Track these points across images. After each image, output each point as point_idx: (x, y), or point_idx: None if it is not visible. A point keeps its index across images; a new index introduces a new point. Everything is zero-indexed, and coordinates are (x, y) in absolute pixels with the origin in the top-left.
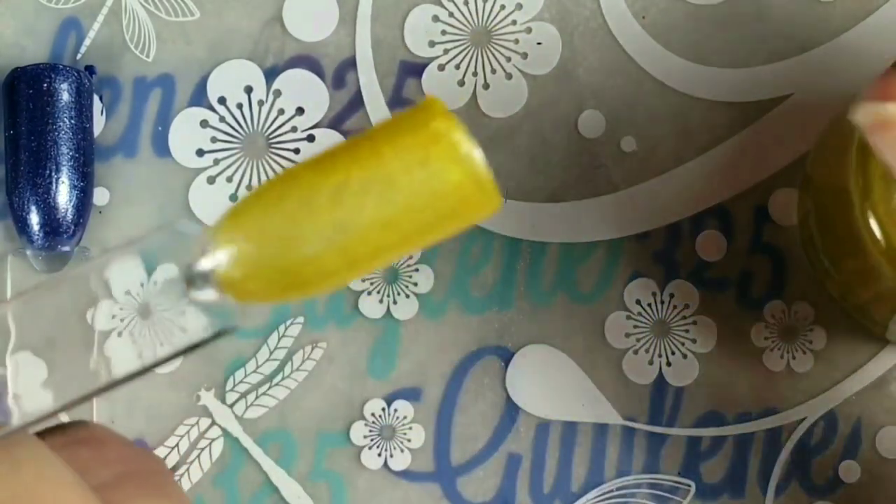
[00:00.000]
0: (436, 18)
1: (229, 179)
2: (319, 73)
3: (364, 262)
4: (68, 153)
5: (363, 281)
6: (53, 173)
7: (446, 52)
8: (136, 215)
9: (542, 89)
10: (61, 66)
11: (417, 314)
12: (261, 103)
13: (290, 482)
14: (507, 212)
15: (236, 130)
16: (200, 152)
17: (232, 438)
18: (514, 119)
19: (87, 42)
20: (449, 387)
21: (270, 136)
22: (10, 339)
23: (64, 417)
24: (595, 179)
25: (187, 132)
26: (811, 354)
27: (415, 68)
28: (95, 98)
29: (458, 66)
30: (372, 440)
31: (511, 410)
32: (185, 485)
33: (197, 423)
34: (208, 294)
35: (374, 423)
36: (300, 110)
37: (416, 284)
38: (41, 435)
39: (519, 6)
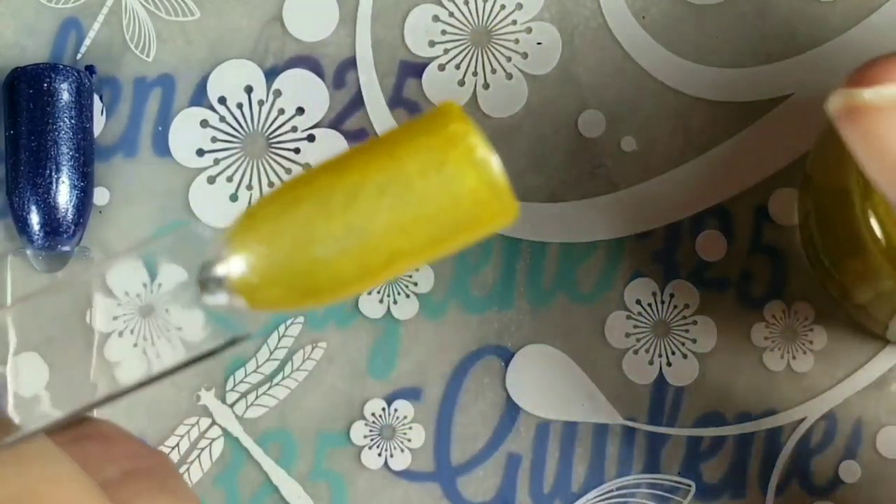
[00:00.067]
0: (436, 18)
1: (229, 179)
2: (319, 73)
3: (377, 269)
4: (68, 153)
5: None
6: (53, 173)
7: (446, 52)
8: (136, 215)
9: (542, 89)
10: (61, 66)
11: (417, 314)
12: (261, 103)
13: (290, 482)
14: None
15: (236, 130)
16: (200, 152)
17: (232, 438)
18: (514, 119)
19: (87, 42)
20: (449, 387)
21: (270, 136)
22: (14, 341)
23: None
24: (595, 179)
25: (187, 132)
26: (811, 354)
27: (415, 68)
28: (95, 98)
29: (458, 66)
30: (372, 440)
31: (511, 410)
32: None
33: (197, 422)
34: (221, 299)
35: (374, 422)
36: (300, 110)
37: (416, 284)
38: (47, 431)
39: (519, 6)
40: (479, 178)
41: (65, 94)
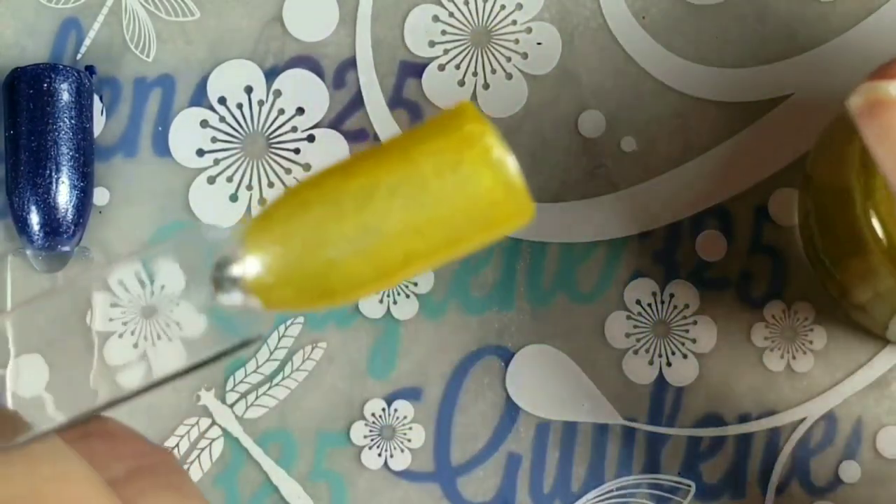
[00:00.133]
0: (436, 18)
1: (229, 179)
2: (319, 73)
3: (392, 271)
4: (68, 153)
5: None
6: (53, 173)
7: (446, 52)
8: (136, 215)
9: (542, 89)
10: (61, 66)
11: (417, 314)
12: (261, 103)
13: (290, 482)
14: None
15: (236, 130)
16: (200, 152)
17: (232, 438)
18: (514, 119)
19: (87, 42)
20: (449, 387)
21: (270, 136)
22: (16, 344)
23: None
24: (595, 179)
25: (187, 132)
26: (811, 354)
27: (415, 68)
28: (95, 98)
29: (458, 66)
30: (372, 440)
31: (511, 410)
32: None
33: (197, 423)
34: (236, 298)
35: (374, 423)
36: (300, 110)
37: (416, 284)
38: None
39: (519, 6)
40: (495, 179)
41: (65, 94)
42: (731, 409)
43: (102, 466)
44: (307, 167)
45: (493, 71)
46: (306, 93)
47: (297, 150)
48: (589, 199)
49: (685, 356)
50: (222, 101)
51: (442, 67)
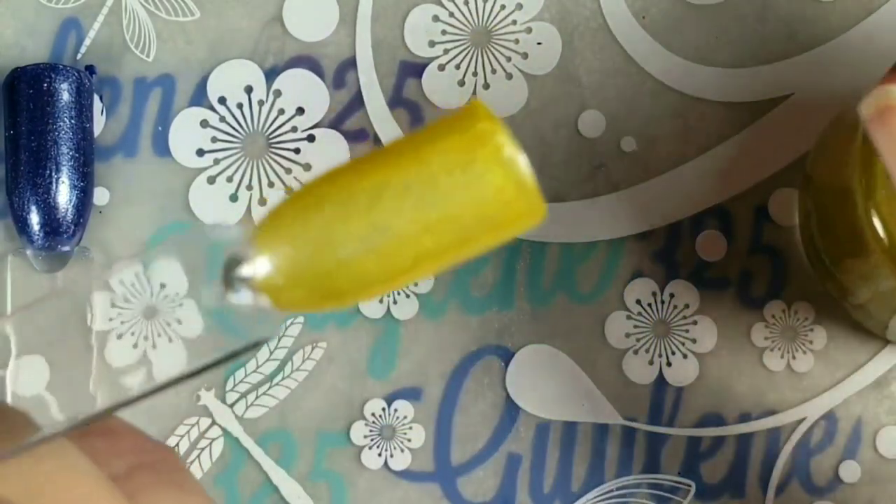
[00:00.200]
0: (436, 18)
1: (229, 179)
2: (319, 73)
3: (402, 271)
4: (68, 153)
5: None
6: (53, 173)
7: (446, 52)
8: (136, 215)
9: (542, 89)
10: (61, 66)
11: (417, 314)
12: (261, 103)
13: (290, 482)
14: None
15: (236, 130)
16: (200, 152)
17: (232, 438)
18: (514, 119)
19: (87, 42)
20: (449, 387)
21: (270, 136)
22: (19, 345)
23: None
24: (595, 179)
25: (187, 132)
26: (811, 354)
27: (415, 68)
28: (95, 98)
29: (458, 66)
30: (372, 440)
31: (511, 410)
32: None
33: (197, 422)
34: (246, 297)
35: (374, 423)
36: (300, 110)
37: (416, 284)
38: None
39: (519, 6)
40: (506, 177)
41: (65, 94)
42: (731, 409)
43: (103, 463)
44: (307, 167)
45: (494, 71)
46: (306, 93)
47: (297, 150)
48: (589, 199)
49: (685, 356)
50: (222, 100)
51: (442, 67)
